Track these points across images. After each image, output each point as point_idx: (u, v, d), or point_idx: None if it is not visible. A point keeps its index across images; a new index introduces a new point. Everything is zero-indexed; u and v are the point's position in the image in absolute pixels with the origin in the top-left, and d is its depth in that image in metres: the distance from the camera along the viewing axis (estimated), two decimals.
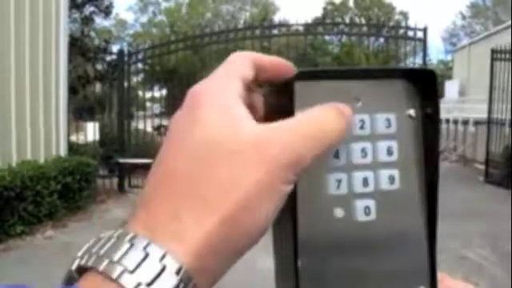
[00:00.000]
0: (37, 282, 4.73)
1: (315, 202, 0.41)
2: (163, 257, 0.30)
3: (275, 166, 0.33)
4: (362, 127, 0.43)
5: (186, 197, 0.32)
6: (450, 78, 32.90)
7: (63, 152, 8.05)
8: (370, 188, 0.42)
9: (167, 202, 0.33)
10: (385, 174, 0.43)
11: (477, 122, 15.21)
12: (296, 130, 0.35)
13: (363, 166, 0.42)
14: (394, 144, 0.43)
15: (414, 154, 0.44)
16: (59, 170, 7.02)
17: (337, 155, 0.42)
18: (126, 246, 0.31)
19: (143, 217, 0.33)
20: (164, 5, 50.49)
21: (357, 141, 0.42)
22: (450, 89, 27.54)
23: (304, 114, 0.37)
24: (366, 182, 0.42)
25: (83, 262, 0.31)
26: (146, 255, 0.30)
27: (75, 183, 7.37)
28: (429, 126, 0.44)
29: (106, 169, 9.99)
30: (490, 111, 11.48)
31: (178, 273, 0.30)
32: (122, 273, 0.29)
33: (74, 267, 0.32)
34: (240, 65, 0.39)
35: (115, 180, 9.73)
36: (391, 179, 0.43)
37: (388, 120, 0.43)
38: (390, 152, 0.43)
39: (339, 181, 0.42)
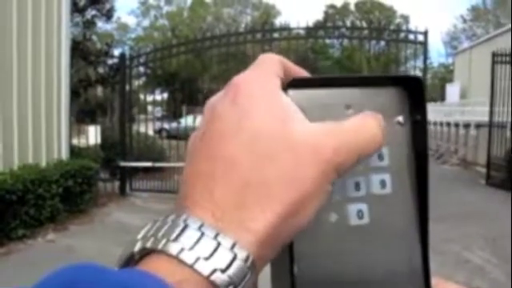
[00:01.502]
0: None
1: None
2: (233, 246, 0.32)
3: (328, 168, 0.35)
4: None
5: (251, 186, 0.33)
6: (450, 81, 32.90)
7: (65, 155, 8.06)
8: (362, 192, 0.43)
9: (233, 190, 0.34)
10: (376, 178, 0.44)
11: (478, 125, 15.20)
12: (347, 134, 0.37)
13: (355, 171, 0.43)
14: (384, 149, 0.44)
15: (405, 159, 0.45)
16: (61, 173, 7.03)
17: None
18: (197, 234, 0.32)
19: (208, 205, 0.34)
20: (166, 9, 50.66)
21: None
22: (451, 92, 27.53)
23: (353, 121, 0.39)
24: (357, 186, 0.43)
25: (150, 244, 0.33)
26: (218, 244, 0.31)
27: (77, 187, 7.38)
28: (418, 131, 0.45)
29: (107, 172, 10.00)
30: (491, 114, 11.47)
31: (246, 261, 0.32)
32: (197, 260, 0.31)
33: (136, 249, 0.34)
34: (273, 64, 0.40)
35: (117, 183, 9.74)
36: (382, 183, 0.44)
37: None
38: (380, 157, 0.44)
39: (331, 185, 0.43)
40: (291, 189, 0.34)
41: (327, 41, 38.99)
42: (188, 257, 0.31)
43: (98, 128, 10.77)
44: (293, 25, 10.25)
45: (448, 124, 19.31)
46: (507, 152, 11.04)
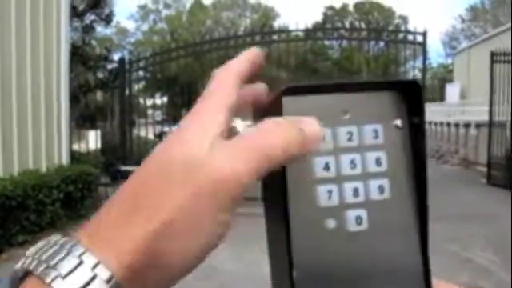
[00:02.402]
0: None
1: (307, 214, 0.42)
2: (96, 265, 0.31)
3: (204, 190, 0.33)
4: (350, 139, 0.44)
5: (125, 208, 0.34)
6: (450, 81, 32.94)
7: (65, 161, 8.07)
8: (361, 198, 0.43)
9: (110, 212, 0.34)
10: (374, 184, 0.44)
11: (478, 125, 15.21)
12: (238, 146, 0.34)
13: (353, 177, 0.43)
14: (382, 154, 0.44)
15: (403, 164, 0.45)
16: (61, 178, 7.03)
17: (327, 167, 0.43)
18: (65, 252, 0.32)
19: (88, 225, 0.35)
20: (165, 12, 50.74)
21: (346, 152, 0.43)
22: (451, 92, 27.56)
23: (250, 129, 0.37)
24: (356, 192, 0.43)
25: (26, 264, 0.33)
26: (80, 262, 0.31)
27: (77, 192, 7.38)
28: (416, 135, 0.45)
29: (108, 177, 10.00)
30: (491, 114, 11.48)
31: (108, 282, 0.31)
32: (55, 278, 0.30)
33: (18, 266, 0.33)
34: (224, 94, 0.38)
35: (117, 188, 9.72)
36: (381, 189, 0.44)
37: (375, 131, 0.44)
38: (378, 162, 0.44)
39: (330, 192, 0.43)
40: (154, 215, 0.32)
41: (326, 42, 39.04)
42: (48, 276, 0.31)
43: (98, 133, 10.79)
44: (292, 27, 10.31)
45: (448, 124, 19.33)
46: (507, 151, 11.05)
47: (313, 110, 0.42)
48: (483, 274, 5.32)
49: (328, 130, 0.43)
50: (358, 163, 0.44)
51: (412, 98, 0.45)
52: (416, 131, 0.45)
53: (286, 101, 0.41)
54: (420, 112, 0.45)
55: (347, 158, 0.43)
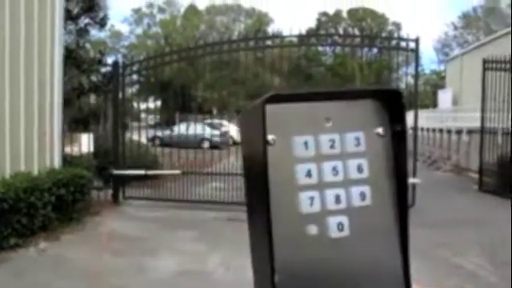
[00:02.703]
0: None
1: (289, 220, 0.43)
2: None
3: None
4: (332, 146, 0.45)
5: None
6: (442, 87, 33.09)
7: (57, 164, 8.03)
8: (343, 205, 0.44)
9: None
10: (356, 190, 0.45)
11: (470, 131, 15.29)
12: None
13: (335, 184, 0.44)
14: (364, 161, 0.45)
15: (384, 171, 0.46)
16: (53, 181, 6.99)
17: (309, 174, 0.43)
18: None
19: None
20: (159, 17, 50.69)
21: (328, 160, 0.44)
22: (443, 98, 27.70)
23: None
24: (338, 199, 0.44)
25: None
26: None
27: (69, 195, 7.34)
28: (397, 142, 0.46)
29: (100, 180, 9.95)
30: (482, 120, 11.55)
31: None
32: None
33: None
34: None
35: (110, 191, 9.69)
36: (362, 196, 0.45)
37: (357, 139, 0.45)
38: (360, 169, 0.45)
39: (312, 198, 0.43)
40: None
41: (320, 48, 39.15)
42: None
43: (91, 136, 10.73)
44: (285, 32, 10.35)
45: (440, 130, 19.42)
46: (499, 158, 11.11)
47: (295, 118, 0.43)
48: (472, 279, 5.34)
49: (310, 137, 0.44)
50: (340, 170, 0.45)
51: (393, 106, 0.46)
52: (397, 139, 0.46)
53: (270, 108, 0.42)
54: (401, 120, 0.46)
55: (329, 165, 0.44)
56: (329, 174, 0.44)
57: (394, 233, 0.46)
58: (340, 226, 0.44)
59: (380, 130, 0.46)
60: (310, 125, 0.44)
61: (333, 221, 0.44)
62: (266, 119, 0.41)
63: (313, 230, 0.43)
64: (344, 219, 0.44)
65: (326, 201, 0.44)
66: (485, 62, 11.32)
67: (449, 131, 18.11)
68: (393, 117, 0.46)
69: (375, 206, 0.45)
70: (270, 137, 0.43)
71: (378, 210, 0.45)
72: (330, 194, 0.44)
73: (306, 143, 0.44)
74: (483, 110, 11.48)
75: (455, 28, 50.87)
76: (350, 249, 0.44)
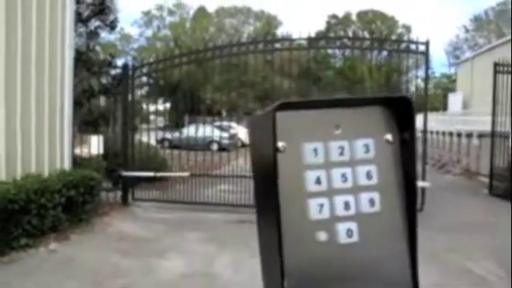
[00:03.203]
0: None
1: (299, 227, 0.43)
2: None
3: None
4: (341, 153, 0.45)
5: None
6: (453, 90, 32.91)
7: (67, 165, 8.08)
8: (352, 211, 0.44)
9: None
10: (365, 197, 0.45)
11: (480, 135, 15.18)
12: None
13: (344, 191, 0.44)
14: (373, 168, 0.45)
15: (393, 177, 0.46)
16: (63, 183, 7.04)
17: (318, 181, 0.44)
18: None
19: None
20: (168, 19, 50.91)
21: (337, 166, 0.44)
22: (454, 101, 27.54)
23: None
24: (347, 205, 0.44)
25: None
26: None
27: (79, 196, 7.38)
28: (406, 149, 0.46)
29: (109, 182, 10.00)
30: (493, 124, 11.46)
31: None
32: None
33: None
34: None
35: (119, 193, 9.74)
36: (371, 202, 0.45)
37: (366, 145, 0.46)
38: (369, 176, 0.45)
39: (321, 205, 0.44)
40: None
41: (329, 51, 39.10)
42: None
43: (101, 138, 10.79)
44: (295, 35, 10.29)
45: (450, 133, 19.30)
46: (509, 162, 11.02)
47: (305, 125, 0.44)
48: (482, 284, 5.30)
49: (320, 144, 0.44)
50: (349, 177, 0.45)
51: (402, 113, 0.46)
52: (406, 145, 0.47)
53: (280, 116, 0.42)
54: (410, 127, 0.46)
55: (338, 171, 0.45)
56: (338, 181, 0.45)
57: (403, 238, 0.46)
58: (349, 233, 0.44)
59: (389, 137, 0.47)
60: (320, 132, 0.44)
61: (342, 227, 0.44)
62: (277, 126, 0.41)
63: (322, 236, 0.44)
64: (353, 225, 0.44)
65: (335, 207, 0.44)
66: (496, 64, 11.24)
67: (459, 134, 17.99)
68: (401, 124, 0.47)
69: (384, 212, 0.45)
70: (280, 144, 0.43)
71: (387, 216, 0.46)
72: (340, 200, 0.44)
73: (315, 150, 0.44)
74: (494, 114, 11.39)
75: (466, 31, 50.60)
76: (359, 254, 0.44)
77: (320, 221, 0.43)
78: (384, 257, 0.45)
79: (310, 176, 0.43)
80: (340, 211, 0.44)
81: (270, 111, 0.42)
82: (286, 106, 0.43)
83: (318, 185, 0.44)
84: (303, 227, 0.43)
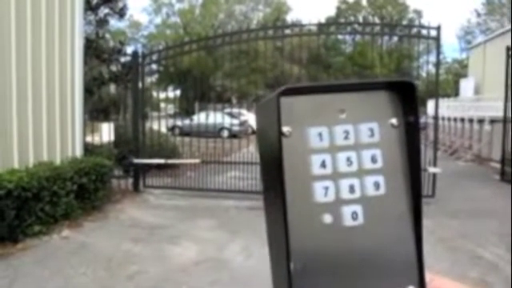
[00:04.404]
0: (53, 281, 4.81)
1: (304, 210, 0.44)
2: None
3: None
4: (346, 137, 0.45)
5: None
6: (465, 76, 32.57)
7: (79, 153, 8.15)
8: (357, 194, 0.45)
9: None
10: (370, 180, 0.46)
11: (492, 121, 15.04)
12: None
13: (349, 174, 0.45)
14: (377, 152, 0.46)
15: (398, 161, 0.47)
16: (75, 170, 7.11)
17: (323, 164, 0.44)
18: None
19: None
20: (177, 6, 50.73)
21: (342, 150, 0.45)
22: (465, 87, 27.26)
23: None
24: (352, 188, 0.45)
25: None
26: None
27: (91, 184, 7.46)
28: (410, 133, 0.47)
29: (121, 169, 10.08)
30: (505, 109, 11.34)
31: None
32: None
33: None
34: None
35: (130, 180, 9.82)
36: (376, 185, 0.46)
37: (371, 129, 0.46)
38: (374, 160, 0.46)
39: (326, 188, 0.44)
40: None
41: (339, 37, 38.82)
42: None
43: (112, 125, 10.86)
44: (305, 21, 10.27)
45: (462, 119, 19.14)
46: None
47: (310, 110, 0.44)
48: (492, 270, 5.29)
49: (325, 128, 0.45)
50: (354, 160, 0.46)
51: (407, 97, 0.47)
52: (411, 130, 0.47)
53: (284, 101, 0.43)
54: (414, 111, 0.46)
55: (344, 155, 0.45)
56: (343, 165, 0.45)
57: (408, 221, 0.47)
58: (354, 215, 0.45)
59: (394, 121, 0.47)
60: (325, 116, 0.45)
61: (347, 210, 0.45)
62: (281, 111, 0.42)
63: (327, 218, 0.44)
64: (358, 208, 0.45)
65: (340, 190, 0.45)
66: (508, 49, 11.09)
67: (470, 120, 17.84)
68: (406, 108, 0.47)
69: (389, 195, 0.46)
70: (285, 128, 0.44)
71: (392, 199, 0.46)
72: (345, 183, 0.45)
73: (320, 134, 0.45)
74: (506, 99, 11.26)
75: (478, 15, 49.85)
76: (364, 237, 0.45)
77: (325, 204, 0.44)
78: (389, 239, 0.46)
79: (316, 160, 0.44)
80: (345, 194, 0.45)
81: (275, 96, 0.42)
82: (291, 91, 0.44)
83: (323, 168, 0.44)
84: (309, 210, 0.44)
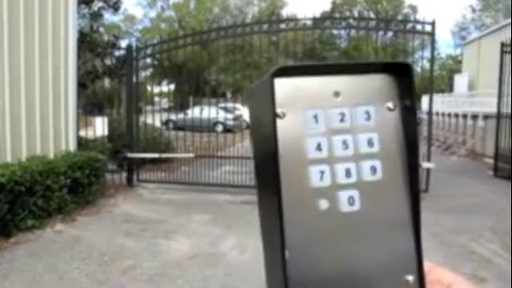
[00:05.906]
0: (47, 274, 4.79)
1: (299, 195, 0.42)
2: None
3: None
4: (342, 120, 0.44)
5: None
6: (459, 72, 32.65)
7: (72, 147, 8.11)
8: (353, 179, 0.44)
9: None
10: (367, 164, 0.44)
11: (486, 116, 15.10)
12: None
13: (345, 158, 0.44)
14: (374, 135, 0.45)
15: (395, 145, 0.46)
16: (68, 165, 7.08)
17: (319, 148, 0.43)
18: None
19: None
20: (172, 0, 50.48)
21: (338, 134, 0.44)
22: (460, 83, 27.32)
23: None
24: (348, 173, 0.44)
25: None
26: None
27: (84, 178, 7.43)
28: (407, 116, 0.46)
29: (114, 163, 10.05)
30: (499, 105, 11.39)
31: None
32: None
33: None
34: None
35: (124, 174, 9.79)
36: (373, 170, 0.44)
37: (367, 112, 0.45)
38: (370, 143, 0.45)
39: (322, 172, 0.43)
40: None
41: (334, 31, 38.78)
42: None
43: (106, 120, 10.81)
44: (300, 15, 10.21)
45: (456, 115, 19.20)
46: None
47: (305, 92, 0.43)
48: (486, 265, 5.32)
49: (320, 111, 0.44)
50: (351, 144, 0.44)
51: (404, 80, 0.46)
52: (408, 113, 0.46)
53: (278, 83, 0.41)
54: (411, 94, 0.45)
55: (339, 138, 0.44)
56: (339, 148, 0.44)
57: (405, 207, 0.46)
58: (351, 200, 0.44)
59: (390, 104, 0.46)
60: (320, 99, 0.44)
61: (343, 195, 0.44)
62: (275, 93, 0.41)
63: (323, 204, 0.43)
64: (355, 193, 0.44)
65: (336, 175, 0.44)
66: (503, 45, 11.12)
67: (464, 116, 17.90)
68: (402, 91, 0.46)
69: (386, 180, 0.45)
70: (279, 110, 0.42)
71: (389, 184, 0.45)
72: (341, 167, 0.44)
73: (315, 117, 0.43)
74: (500, 95, 11.30)
75: (473, 11, 49.91)
76: (360, 222, 0.44)
77: (321, 188, 0.43)
78: (386, 225, 0.45)
79: (311, 143, 0.43)
80: (341, 179, 0.43)
81: (268, 77, 0.41)
82: (284, 72, 0.42)
83: (318, 151, 0.43)
84: (304, 195, 0.43)
